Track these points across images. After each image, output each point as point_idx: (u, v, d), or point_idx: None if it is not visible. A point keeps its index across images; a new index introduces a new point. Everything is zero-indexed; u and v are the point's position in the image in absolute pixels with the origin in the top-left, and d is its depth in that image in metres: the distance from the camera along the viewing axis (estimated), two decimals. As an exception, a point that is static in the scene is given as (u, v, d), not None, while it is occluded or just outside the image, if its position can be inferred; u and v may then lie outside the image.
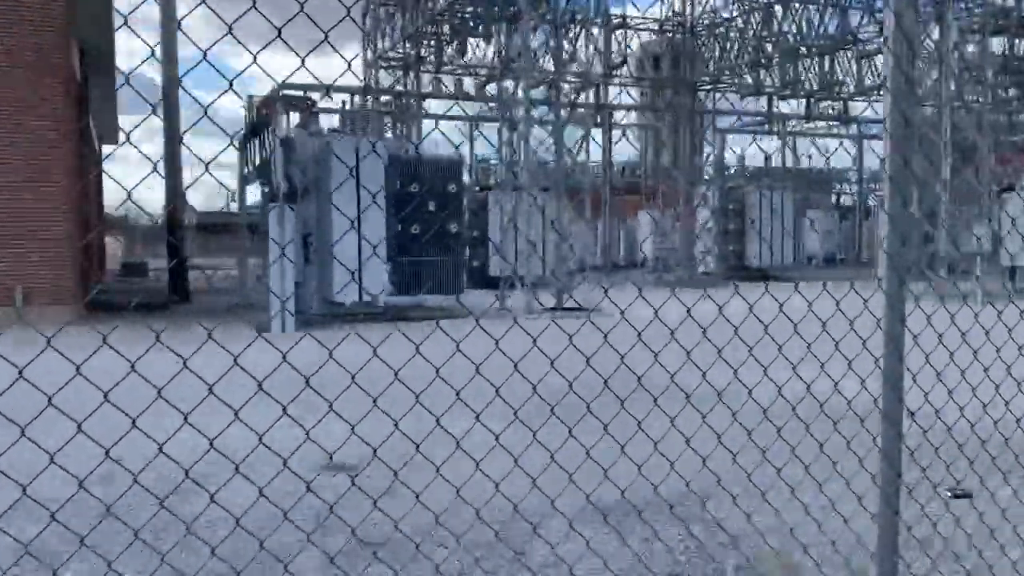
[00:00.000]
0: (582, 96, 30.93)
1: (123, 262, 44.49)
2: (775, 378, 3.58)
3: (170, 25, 22.24)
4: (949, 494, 5.39)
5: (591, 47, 28.49)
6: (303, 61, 2.19)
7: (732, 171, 39.09)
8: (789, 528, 4.37)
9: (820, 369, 3.46)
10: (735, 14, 30.30)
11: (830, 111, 36.81)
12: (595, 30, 28.46)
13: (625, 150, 60.79)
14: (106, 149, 34.83)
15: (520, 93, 17.45)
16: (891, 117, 2.41)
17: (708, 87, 31.25)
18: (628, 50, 30.01)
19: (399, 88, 25.50)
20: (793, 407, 3.71)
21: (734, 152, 42.77)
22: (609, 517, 4.76)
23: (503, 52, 18.61)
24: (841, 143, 41.93)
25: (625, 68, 29.31)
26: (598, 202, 44.00)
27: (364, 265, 16.60)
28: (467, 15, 18.58)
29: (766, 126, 37.97)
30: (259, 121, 18.47)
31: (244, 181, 20.79)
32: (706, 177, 34.29)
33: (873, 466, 2.49)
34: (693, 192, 34.06)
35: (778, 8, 28.81)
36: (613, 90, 35.10)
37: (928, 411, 4.39)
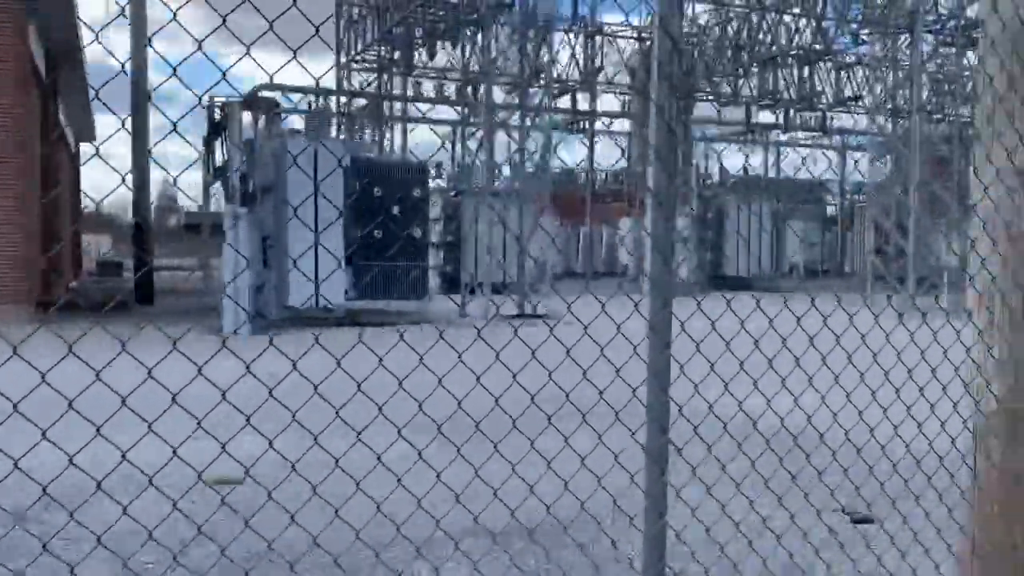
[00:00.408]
0: (560, 102, 30.84)
1: (98, 261, 44.13)
2: (709, 394, 3.43)
3: (140, 25, 21.99)
4: (848, 518, 5.21)
5: (568, 53, 28.41)
6: (272, 76, 1.98)
7: (713, 180, 39.08)
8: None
9: (753, 385, 3.33)
10: (713, 23, 30.24)
11: (811, 122, 36.81)
12: (572, 36, 28.42)
13: (617, 156, 60.69)
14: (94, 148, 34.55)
15: (487, 97, 17.29)
16: (656, 130, 2.24)
17: (685, 96, 31.10)
18: (605, 57, 29.95)
19: (371, 91, 25.32)
20: (724, 424, 3.58)
21: (721, 162, 42.73)
22: (498, 538, 4.59)
23: (467, 56, 18.44)
24: (823, 153, 41.94)
25: (603, 75, 29.22)
26: (584, 208, 43.85)
27: (321, 269, 16.38)
28: (436, 18, 18.43)
29: (749, 136, 37.94)
30: (220, 123, 18.27)
31: (208, 183, 20.55)
32: (687, 185, 34.19)
33: (780, 485, 2.30)
34: (676, 200, 33.83)
35: (755, 17, 28.76)
36: (607, 97, 35.04)
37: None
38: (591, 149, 41.87)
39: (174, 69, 2.06)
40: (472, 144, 19.10)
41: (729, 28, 29.67)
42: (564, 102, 32.46)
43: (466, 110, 18.32)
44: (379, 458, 2.87)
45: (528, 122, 17.71)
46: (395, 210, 17.85)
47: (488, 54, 17.46)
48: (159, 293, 25.14)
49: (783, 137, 41.70)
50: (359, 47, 24.40)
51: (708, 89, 29.10)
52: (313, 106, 19.59)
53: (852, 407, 3.59)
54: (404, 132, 28.31)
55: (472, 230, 18.61)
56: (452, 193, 29.80)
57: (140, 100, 21.28)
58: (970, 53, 24.24)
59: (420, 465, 3.22)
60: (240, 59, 2.03)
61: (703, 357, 3.09)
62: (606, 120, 38.87)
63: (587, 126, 40.21)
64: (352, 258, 17.58)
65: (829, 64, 31.17)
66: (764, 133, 38.18)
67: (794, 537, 4.42)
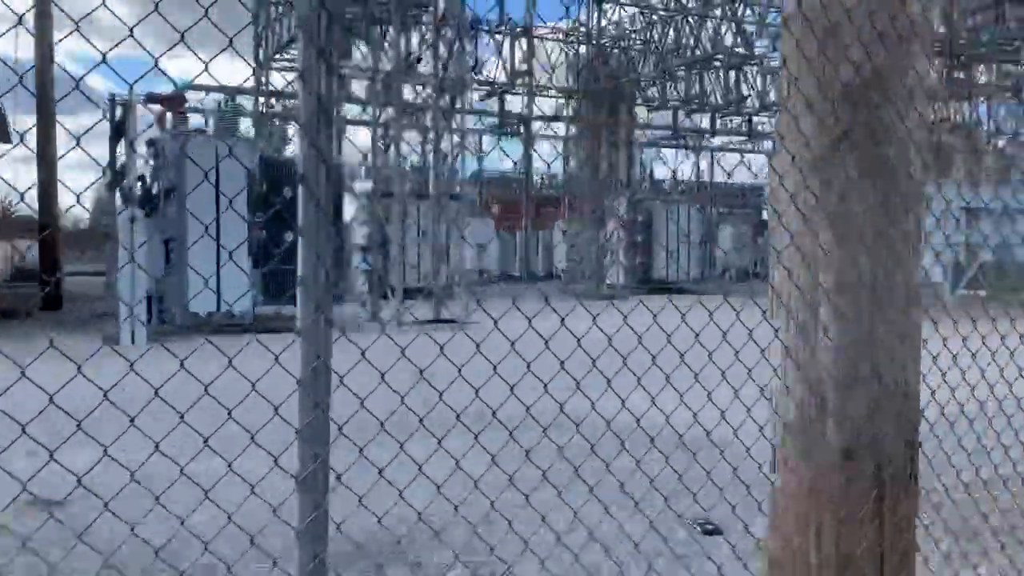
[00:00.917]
0: (486, 104, 30.62)
1: (15, 267, 42.45)
2: (608, 398, 3.18)
3: (44, 24, 21.10)
4: (698, 528, 4.98)
5: (496, 55, 28.17)
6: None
7: (644, 184, 39.22)
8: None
9: (608, 388, 3.09)
10: (639, 26, 30.29)
11: (742, 127, 37.16)
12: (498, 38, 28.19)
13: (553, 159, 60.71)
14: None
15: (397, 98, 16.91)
16: (304, 105, 1.94)
17: (612, 99, 31.14)
18: (533, 59, 29.78)
19: (286, 90, 24.78)
20: (576, 425, 3.32)
21: (660, 166, 42.91)
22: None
23: (371, 54, 18.05)
24: (744, 158, 42.37)
25: (531, 77, 29.03)
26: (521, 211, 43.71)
27: (227, 275, 15.81)
28: (351, 16, 18.03)
29: (682, 140, 38.16)
30: (121, 122, 17.58)
31: (113, 185, 19.77)
32: (619, 190, 34.21)
33: (643, 489, 1.99)
34: (604, 204, 33.99)
35: (680, 21, 28.89)
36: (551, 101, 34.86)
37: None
38: (527, 152, 41.77)
39: (76, 83, 1.89)
40: (395, 145, 18.71)
41: (654, 32, 29.77)
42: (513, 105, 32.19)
43: (380, 110, 17.95)
44: (230, 466, 2.62)
45: (445, 123, 17.42)
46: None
47: (400, 53, 17.11)
48: (71, 299, 24.26)
49: (715, 142, 42.05)
50: (276, 45, 23.84)
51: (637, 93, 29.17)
52: (222, 105, 18.98)
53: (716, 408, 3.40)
54: (339, 134, 27.66)
55: (393, 233, 18.21)
56: (380, 195, 29.31)
57: (45, 102, 20.45)
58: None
59: (276, 475, 2.93)
60: (162, 56, 1.94)
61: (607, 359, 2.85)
62: (541, 123, 38.77)
63: (521, 129, 40.08)
64: (261, 263, 17.05)
65: (756, 68, 31.45)
66: (693, 138, 38.43)
67: (649, 546, 4.18)
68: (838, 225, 2.79)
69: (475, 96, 30.64)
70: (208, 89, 23.68)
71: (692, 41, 29.18)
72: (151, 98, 16.55)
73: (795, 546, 2.88)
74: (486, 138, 45.54)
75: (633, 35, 30.20)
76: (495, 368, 2.80)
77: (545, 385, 3.06)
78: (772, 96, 31.32)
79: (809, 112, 2.82)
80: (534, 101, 33.56)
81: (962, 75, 27.91)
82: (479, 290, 26.57)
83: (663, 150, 39.13)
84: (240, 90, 23.87)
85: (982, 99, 31.08)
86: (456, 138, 17.63)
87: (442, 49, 17.30)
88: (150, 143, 16.87)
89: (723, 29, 27.51)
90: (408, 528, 4.76)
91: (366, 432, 2.95)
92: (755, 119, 34.15)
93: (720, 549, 4.49)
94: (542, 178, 52.83)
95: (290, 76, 25.39)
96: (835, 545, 2.81)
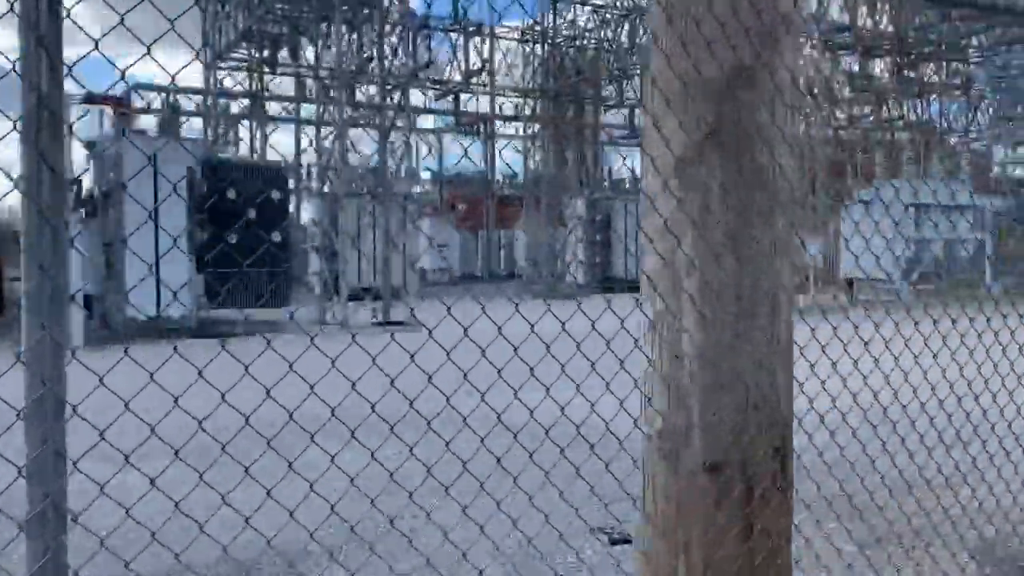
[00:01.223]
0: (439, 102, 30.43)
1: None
2: (548, 398, 3.05)
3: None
4: (607, 539, 4.86)
5: (449, 53, 27.97)
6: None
7: (603, 182, 39.22)
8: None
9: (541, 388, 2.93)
10: (594, 25, 30.26)
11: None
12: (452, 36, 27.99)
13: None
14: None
15: (341, 95, 16.67)
16: (24, 102, 1.79)
17: (570, 98, 31.05)
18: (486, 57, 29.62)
19: (239, 89, 24.39)
20: (464, 418, 3.16)
21: (610, 164, 42.93)
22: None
23: (319, 53, 17.79)
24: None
25: (485, 75, 28.86)
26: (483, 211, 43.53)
27: (170, 278, 15.46)
28: (297, 16, 17.74)
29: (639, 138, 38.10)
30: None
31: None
32: (577, 188, 34.18)
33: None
34: (563, 203, 33.96)
35: (636, 20, 28.88)
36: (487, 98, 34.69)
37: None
38: (488, 152, 41.63)
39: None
40: (341, 144, 18.44)
41: (607, 31, 29.75)
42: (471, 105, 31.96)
43: (324, 110, 17.71)
44: (102, 488, 2.40)
45: (390, 122, 17.22)
46: (252, 214, 17.06)
47: (341, 52, 16.86)
48: (14, 304, 23.69)
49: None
50: (224, 45, 23.44)
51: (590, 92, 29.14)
52: (166, 105, 18.58)
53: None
54: (290, 132, 27.26)
55: (343, 233, 17.96)
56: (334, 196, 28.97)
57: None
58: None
59: (159, 492, 2.75)
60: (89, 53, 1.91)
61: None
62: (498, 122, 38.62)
63: (481, 128, 39.92)
64: (205, 266, 16.72)
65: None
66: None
67: (560, 560, 4.06)
68: (702, 229, 2.68)
69: (430, 95, 30.45)
70: (157, 89, 23.26)
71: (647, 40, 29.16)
72: (90, 98, 16.14)
73: (664, 563, 2.76)
74: (447, 137, 45.35)
75: (588, 34, 30.13)
76: (429, 375, 2.68)
77: (479, 390, 2.95)
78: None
79: (671, 111, 2.71)
80: (495, 99, 33.41)
81: (911, 73, 28.22)
82: (437, 290, 26.35)
83: (622, 148, 39.09)
84: (188, 90, 23.42)
85: (934, 96, 31.45)
86: (403, 137, 17.42)
87: (388, 47, 17.11)
88: (90, 144, 16.46)
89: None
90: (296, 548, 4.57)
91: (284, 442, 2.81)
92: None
93: (630, 560, 4.37)
94: (503, 177, 52.71)
95: (239, 75, 25.07)
96: (703, 561, 2.70)
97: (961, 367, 3.93)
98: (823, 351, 3.37)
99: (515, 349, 2.83)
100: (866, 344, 3.50)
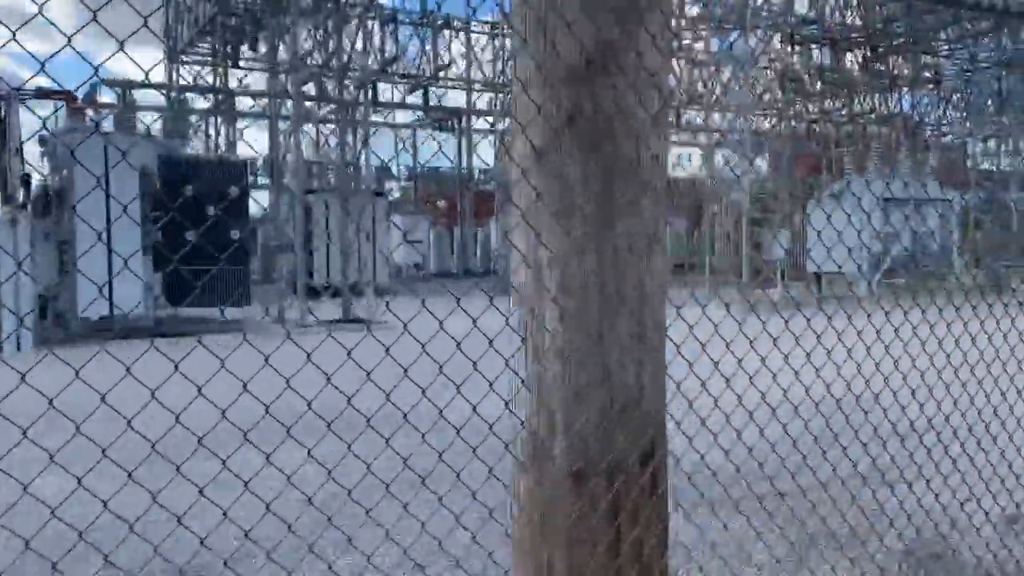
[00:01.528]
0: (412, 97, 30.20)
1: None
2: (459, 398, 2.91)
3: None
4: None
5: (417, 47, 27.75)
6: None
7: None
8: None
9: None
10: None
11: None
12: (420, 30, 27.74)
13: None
14: None
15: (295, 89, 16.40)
16: None
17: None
18: (453, 52, 29.39)
19: (201, 84, 24.00)
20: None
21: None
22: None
23: (274, 46, 17.52)
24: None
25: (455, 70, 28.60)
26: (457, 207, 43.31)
27: (124, 276, 15.17)
28: (257, 8, 17.44)
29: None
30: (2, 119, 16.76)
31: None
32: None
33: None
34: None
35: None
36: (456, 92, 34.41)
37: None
38: (460, 147, 41.40)
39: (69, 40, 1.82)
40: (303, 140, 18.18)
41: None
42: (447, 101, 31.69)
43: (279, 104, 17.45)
44: (25, 488, 2.35)
45: (351, 116, 16.99)
46: (210, 211, 16.77)
47: (294, 44, 16.59)
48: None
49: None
50: (187, 38, 23.05)
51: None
52: (121, 100, 18.23)
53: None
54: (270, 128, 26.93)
55: (300, 231, 17.71)
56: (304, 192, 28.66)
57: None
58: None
59: (85, 495, 2.58)
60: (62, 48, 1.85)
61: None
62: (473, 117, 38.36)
63: (455, 124, 39.71)
64: (163, 264, 16.44)
65: (681, 61, 31.43)
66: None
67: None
68: (562, 221, 2.51)
69: (402, 90, 30.21)
70: (120, 84, 22.87)
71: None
72: (41, 93, 15.81)
73: (530, 576, 2.60)
74: (423, 132, 45.07)
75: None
76: (368, 372, 2.53)
77: (421, 387, 2.85)
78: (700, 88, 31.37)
79: (530, 97, 2.54)
80: (470, 94, 33.14)
81: (881, 66, 28.24)
82: (411, 287, 26.13)
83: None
84: (151, 85, 23.03)
85: (906, 90, 31.49)
86: (372, 132, 17.18)
87: (351, 39, 16.87)
88: (42, 141, 16.13)
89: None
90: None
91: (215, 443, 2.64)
92: (683, 112, 34.20)
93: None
94: (479, 173, 52.43)
95: (203, 70, 24.64)
96: None
97: (913, 359, 3.80)
98: (775, 344, 3.24)
99: (458, 345, 2.71)
100: (818, 337, 3.36)
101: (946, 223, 23.75)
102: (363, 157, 17.14)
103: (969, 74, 27.71)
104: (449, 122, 39.89)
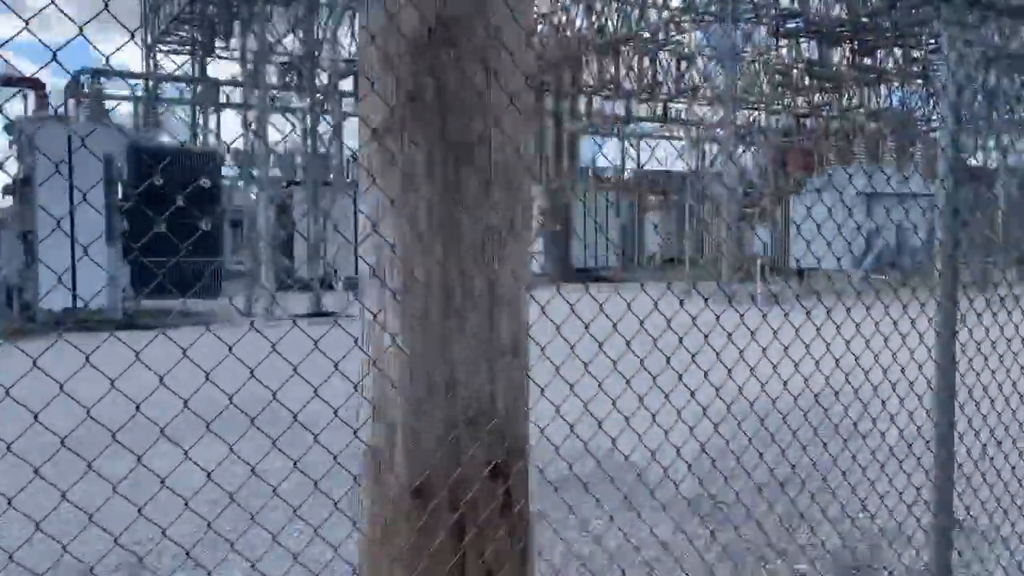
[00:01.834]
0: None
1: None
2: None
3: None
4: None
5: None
6: None
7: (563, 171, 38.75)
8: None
9: None
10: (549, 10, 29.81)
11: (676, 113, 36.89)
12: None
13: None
14: None
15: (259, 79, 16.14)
16: None
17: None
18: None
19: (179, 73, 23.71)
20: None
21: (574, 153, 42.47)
22: None
23: (244, 34, 17.24)
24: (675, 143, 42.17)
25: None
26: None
27: (83, 266, 14.89)
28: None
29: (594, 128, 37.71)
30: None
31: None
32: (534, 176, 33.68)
33: None
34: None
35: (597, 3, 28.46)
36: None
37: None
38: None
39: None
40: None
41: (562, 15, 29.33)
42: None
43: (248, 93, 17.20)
44: None
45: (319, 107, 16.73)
46: (180, 202, 16.45)
47: (262, 33, 16.33)
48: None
49: (645, 128, 41.76)
50: (162, 28, 22.73)
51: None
52: (92, 89, 17.94)
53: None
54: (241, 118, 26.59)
55: (269, 223, 17.46)
56: (284, 184, 28.38)
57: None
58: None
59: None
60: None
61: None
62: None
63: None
64: (130, 255, 16.17)
65: (670, 54, 31.20)
66: (615, 124, 38.10)
67: None
68: (404, 212, 2.27)
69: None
70: (99, 73, 22.55)
71: (603, 24, 28.81)
72: (6, 81, 15.52)
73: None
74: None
75: (542, 19, 29.69)
76: (294, 366, 2.30)
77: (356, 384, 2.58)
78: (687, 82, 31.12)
79: (372, 74, 2.30)
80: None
81: (868, 60, 28.01)
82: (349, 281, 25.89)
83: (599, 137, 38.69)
84: (129, 74, 22.71)
85: (895, 85, 31.27)
86: (337, 121, 16.91)
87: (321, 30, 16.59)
88: (7, 128, 15.84)
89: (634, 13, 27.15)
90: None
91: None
92: (672, 104, 33.96)
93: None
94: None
95: (180, 59, 24.31)
96: (410, 602, 2.30)
97: (876, 355, 3.58)
98: (730, 339, 3.01)
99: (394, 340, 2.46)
100: (775, 332, 3.15)
101: (929, 219, 23.57)
102: (334, 147, 16.85)
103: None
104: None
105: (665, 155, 45.47)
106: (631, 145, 44.23)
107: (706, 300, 3.18)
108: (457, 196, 2.27)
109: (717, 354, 3.07)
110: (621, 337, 2.81)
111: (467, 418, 2.28)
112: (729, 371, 3.15)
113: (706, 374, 3.11)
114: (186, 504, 2.62)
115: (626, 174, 43.26)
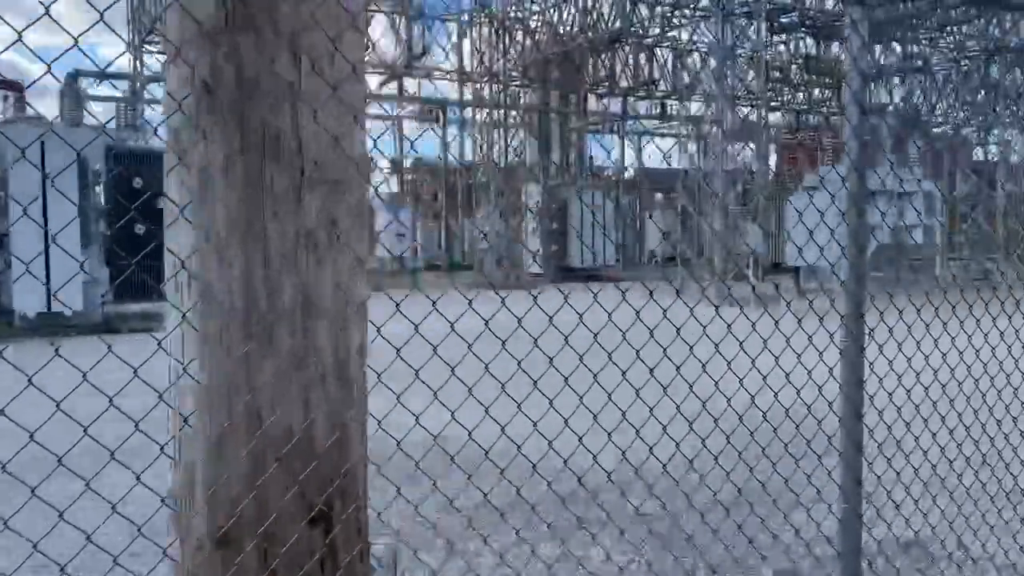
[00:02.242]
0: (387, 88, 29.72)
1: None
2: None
3: None
4: None
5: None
6: None
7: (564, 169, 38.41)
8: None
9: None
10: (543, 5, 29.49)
11: (674, 111, 36.50)
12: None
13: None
14: None
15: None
16: None
17: (518, 83, 30.31)
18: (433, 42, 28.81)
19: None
20: None
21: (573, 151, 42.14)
22: None
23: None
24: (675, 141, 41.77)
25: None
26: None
27: (66, 270, 14.66)
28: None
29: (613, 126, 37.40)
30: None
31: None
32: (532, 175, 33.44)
33: None
34: (517, 190, 33.30)
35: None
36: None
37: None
38: (444, 138, 40.90)
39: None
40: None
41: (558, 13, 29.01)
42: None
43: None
44: None
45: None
46: (159, 204, 16.22)
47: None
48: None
49: (644, 125, 41.37)
50: (150, 24, 22.49)
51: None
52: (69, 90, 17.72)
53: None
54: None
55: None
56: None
57: None
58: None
59: None
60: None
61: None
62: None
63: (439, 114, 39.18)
64: (111, 258, 15.95)
65: (667, 51, 30.82)
66: (612, 122, 37.75)
67: None
68: (200, 217, 1.97)
69: (374, 80, 29.67)
70: (80, 74, 22.33)
71: (597, 21, 28.46)
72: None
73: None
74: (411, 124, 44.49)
75: (536, 16, 29.38)
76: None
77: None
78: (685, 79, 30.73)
79: (170, 64, 2.00)
80: (463, 85, 32.50)
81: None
82: (390, 281, 25.65)
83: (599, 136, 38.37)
84: (114, 75, 22.49)
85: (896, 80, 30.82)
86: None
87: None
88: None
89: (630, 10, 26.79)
90: None
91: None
92: (668, 102, 33.61)
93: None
94: (464, 164, 51.59)
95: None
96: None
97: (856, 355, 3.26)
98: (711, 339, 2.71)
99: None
100: (750, 336, 2.86)
101: (929, 216, 23.18)
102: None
103: (955, 63, 27.05)
104: (433, 112, 39.33)
105: (660, 152, 45.12)
106: (631, 143, 43.87)
107: (678, 294, 2.87)
108: (262, 198, 1.98)
109: (678, 367, 2.76)
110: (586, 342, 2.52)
111: (277, 455, 1.99)
112: (691, 386, 2.85)
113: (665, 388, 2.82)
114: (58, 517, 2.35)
115: (626, 173, 42.92)
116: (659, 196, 47.44)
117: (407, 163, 45.93)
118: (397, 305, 2.31)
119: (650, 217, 40.95)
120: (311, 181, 2.02)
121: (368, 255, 2.19)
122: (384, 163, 43.92)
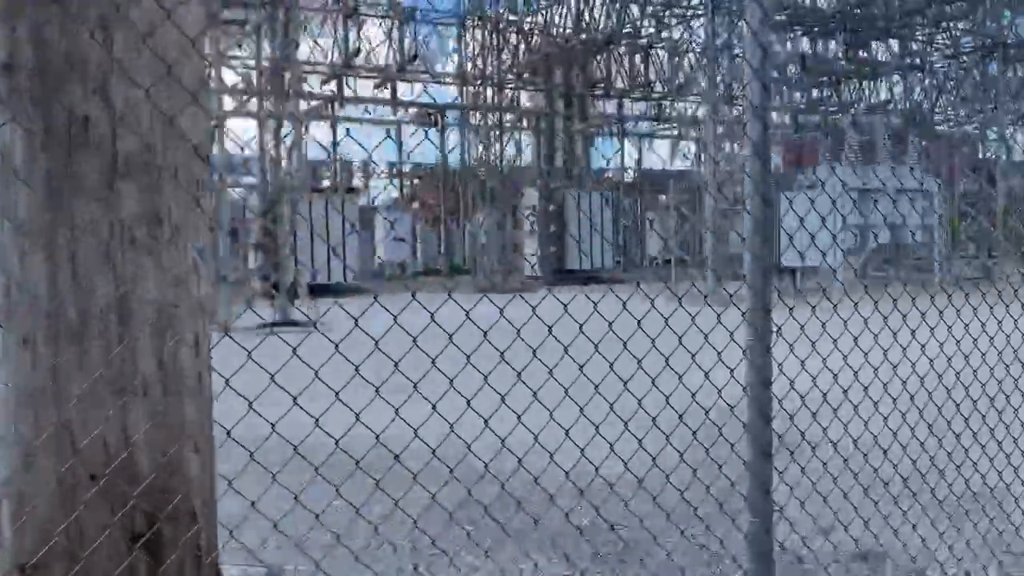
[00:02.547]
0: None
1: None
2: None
3: None
4: None
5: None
6: None
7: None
8: None
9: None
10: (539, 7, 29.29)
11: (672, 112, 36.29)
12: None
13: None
14: None
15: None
16: None
17: (513, 86, 30.09)
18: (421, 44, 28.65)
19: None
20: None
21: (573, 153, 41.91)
22: None
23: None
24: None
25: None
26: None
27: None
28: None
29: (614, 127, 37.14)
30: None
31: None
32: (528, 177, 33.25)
33: None
34: (513, 193, 33.13)
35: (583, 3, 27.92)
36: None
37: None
38: (442, 141, 40.78)
39: None
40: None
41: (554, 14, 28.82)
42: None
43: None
44: None
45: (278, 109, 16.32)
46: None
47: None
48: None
49: (643, 127, 41.13)
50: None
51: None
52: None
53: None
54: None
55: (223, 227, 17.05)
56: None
57: None
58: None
59: None
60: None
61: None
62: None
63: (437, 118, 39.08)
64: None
65: (662, 52, 30.59)
66: (612, 124, 37.50)
67: None
68: (5, 207, 1.77)
69: (368, 84, 29.54)
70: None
71: (593, 23, 28.26)
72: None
73: None
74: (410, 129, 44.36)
75: (530, 19, 29.20)
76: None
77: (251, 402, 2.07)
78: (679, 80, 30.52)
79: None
80: (464, 89, 32.29)
81: (863, 53, 27.31)
82: (389, 286, 25.51)
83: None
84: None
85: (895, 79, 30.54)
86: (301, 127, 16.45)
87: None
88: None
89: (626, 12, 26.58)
90: None
91: None
92: (665, 104, 33.39)
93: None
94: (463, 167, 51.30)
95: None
96: None
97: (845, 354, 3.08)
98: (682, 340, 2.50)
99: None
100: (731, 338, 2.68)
101: (928, 215, 22.92)
102: (296, 152, 16.38)
103: (952, 60, 26.74)
104: (432, 116, 39.20)
105: (656, 153, 44.81)
106: (631, 144, 43.61)
107: (654, 304, 2.68)
108: (69, 189, 1.77)
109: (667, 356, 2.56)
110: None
111: (88, 475, 1.79)
112: (654, 381, 2.65)
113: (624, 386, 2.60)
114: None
115: (625, 175, 42.69)
116: (658, 197, 47.20)
117: (406, 168, 45.84)
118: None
119: (651, 225, 40.69)
120: (129, 168, 1.81)
121: (211, 247, 1.98)
122: (382, 168, 43.91)
